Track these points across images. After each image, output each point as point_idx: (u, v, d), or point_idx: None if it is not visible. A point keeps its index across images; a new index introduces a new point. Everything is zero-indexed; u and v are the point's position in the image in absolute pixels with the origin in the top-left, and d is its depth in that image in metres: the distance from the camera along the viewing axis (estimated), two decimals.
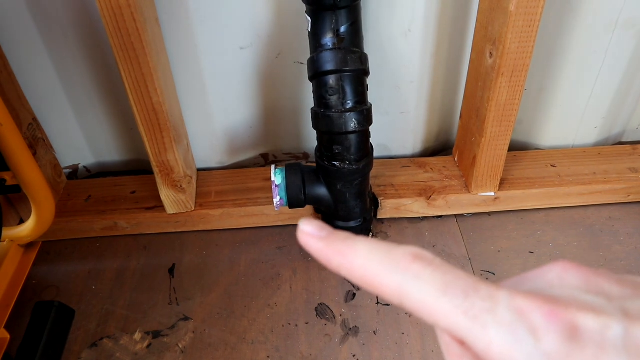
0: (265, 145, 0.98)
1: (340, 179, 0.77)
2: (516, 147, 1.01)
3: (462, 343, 0.22)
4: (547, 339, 0.18)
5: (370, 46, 0.81)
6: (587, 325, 0.18)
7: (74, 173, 1.02)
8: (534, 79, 0.90)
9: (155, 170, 0.83)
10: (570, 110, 0.96)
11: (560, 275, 0.21)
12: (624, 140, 1.06)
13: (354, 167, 0.76)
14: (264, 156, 0.99)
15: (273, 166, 0.79)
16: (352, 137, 0.74)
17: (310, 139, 0.96)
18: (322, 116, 0.73)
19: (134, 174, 1.01)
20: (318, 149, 0.78)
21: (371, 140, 0.78)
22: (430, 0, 0.79)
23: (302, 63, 0.86)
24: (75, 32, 0.81)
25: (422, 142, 0.97)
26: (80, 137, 0.97)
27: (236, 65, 0.85)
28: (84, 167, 1.02)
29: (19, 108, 0.85)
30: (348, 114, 0.72)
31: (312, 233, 0.23)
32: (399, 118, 0.92)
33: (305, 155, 1.00)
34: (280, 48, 0.84)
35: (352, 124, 0.72)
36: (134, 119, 0.76)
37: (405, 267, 0.21)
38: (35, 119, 0.90)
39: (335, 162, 0.76)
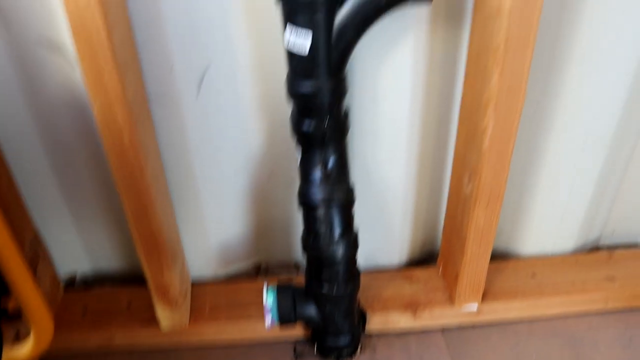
0: (258, 256, 1.02)
1: (329, 301, 0.81)
2: (497, 256, 1.05)
3: None
4: None
5: (356, 170, 0.87)
6: None
7: (72, 281, 1.05)
8: (511, 193, 0.95)
9: (152, 289, 0.86)
10: (548, 220, 1.01)
11: None
12: (600, 243, 1.11)
13: (342, 291, 0.80)
14: (256, 267, 1.03)
15: (265, 286, 0.83)
16: (340, 264, 0.78)
17: (301, 249, 1.00)
18: (312, 244, 0.77)
19: (131, 281, 1.04)
20: (307, 271, 0.82)
21: (359, 252, 0.82)
22: (411, 128, 0.85)
23: (292, 183, 0.91)
24: (80, 153, 0.86)
25: (408, 253, 1.02)
26: (79, 246, 1.00)
27: (230, 184, 0.90)
28: (81, 275, 1.05)
29: (22, 226, 0.89)
30: (336, 243, 0.76)
31: None
32: (385, 233, 0.97)
33: (296, 266, 1.04)
34: (272, 168, 0.90)
35: (340, 252, 0.77)
36: (131, 232, 0.79)
37: None
38: (36, 236, 0.94)
39: (324, 287, 0.80)
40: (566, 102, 0.85)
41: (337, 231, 0.76)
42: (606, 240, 1.10)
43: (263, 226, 0.97)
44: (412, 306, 0.93)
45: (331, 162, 0.75)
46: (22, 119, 0.81)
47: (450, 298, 0.94)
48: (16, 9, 0.71)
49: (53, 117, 0.82)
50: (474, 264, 0.87)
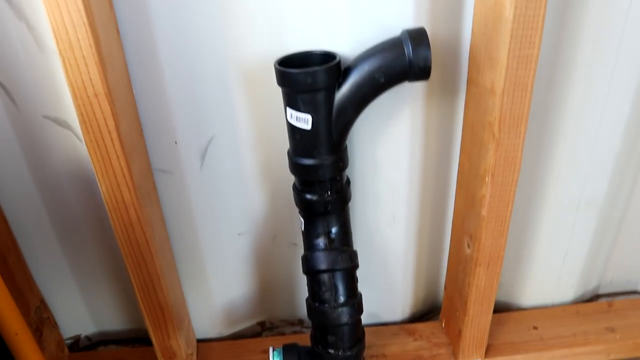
0: (262, 315, 1.03)
1: None
2: (499, 307, 1.06)
3: None
4: None
5: (358, 233, 0.89)
6: None
7: (76, 343, 1.06)
8: (511, 247, 0.97)
9: (159, 354, 0.87)
10: (548, 272, 1.02)
11: None
12: (600, 292, 1.12)
13: (347, 353, 0.81)
14: (261, 324, 1.04)
15: (271, 349, 0.84)
16: (345, 327, 0.79)
17: (304, 306, 1.01)
18: (317, 310, 0.79)
19: (134, 341, 1.05)
20: (313, 335, 0.83)
21: (363, 310, 0.83)
22: (410, 193, 0.87)
23: (296, 244, 0.93)
24: (85, 222, 0.87)
25: (410, 308, 1.03)
26: (84, 309, 1.01)
27: (235, 249, 0.92)
28: (86, 336, 1.06)
29: (27, 293, 0.90)
30: (341, 308, 0.78)
31: None
32: (387, 290, 0.98)
33: (300, 322, 1.05)
34: (275, 232, 0.91)
35: (345, 317, 0.78)
36: (135, 294, 0.80)
37: None
38: (42, 301, 0.95)
39: (330, 350, 0.81)
40: (560, 166, 0.88)
41: (341, 297, 0.78)
42: (605, 289, 1.12)
43: (267, 286, 0.98)
44: None
45: (334, 230, 0.77)
46: (28, 189, 0.83)
47: (454, 354, 0.95)
48: (24, 86, 0.73)
49: (59, 188, 0.84)
50: (476, 322, 0.88)
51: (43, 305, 0.95)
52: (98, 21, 0.59)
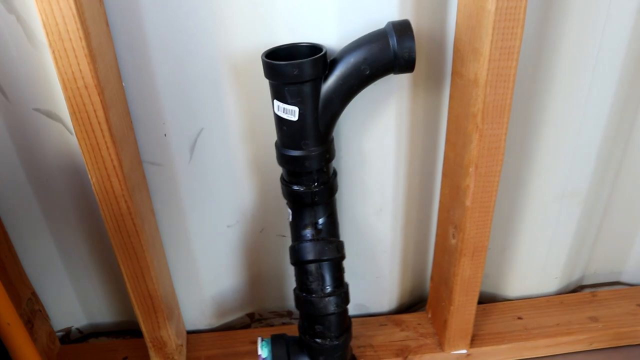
0: (251, 306, 1.04)
1: (323, 353, 0.83)
2: (485, 298, 1.08)
3: None
4: None
5: (346, 223, 0.90)
6: None
7: (67, 335, 1.07)
8: (496, 239, 0.99)
9: (149, 345, 0.88)
10: (532, 264, 1.04)
11: None
12: (584, 283, 1.14)
13: (334, 342, 0.82)
14: (250, 316, 1.05)
15: (260, 339, 0.85)
16: (332, 317, 0.80)
17: (293, 297, 1.03)
18: (304, 300, 0.80)
19: (125, 333, 1.06)
20: (301, 325, 0.84)
21: (350, 300, 0.84)
22: (397, 184, 0.88)
23: (284, 236, 0.94)
24: (75, 213, 0.88)
25: (397, 299, 1.04)
26: (75, 301, 1.02)
27: (224, 240, 0.93)
28: (77, 329, 1.07)
29: (19, 285, 0.91)
30: (327, 298, 0.79)
31: None
32: (374, 281, 1.00)
33: (289, 313, 1.06)
34: (264, 224, 0.93)
35: (332, 307, 0.79)
36: (125, 285, 0.81)
37: None
38: (34, 293, 0.95)
39: (317, 339, 0.82)
40: (544, 158, 0.90)
41: (328, 287, 0.79)
42: (589, 280, 1.14)
43: (256, 278, 0.99)
44: (403, 353, 0.95)
45: (321, 221, 0.78)
46: (19, 181, 0.84)
47: (440, 344, 0.96)
48: (15, 79, 0.74)
49: (50, 180, 0.85)
50: (462, 312, 0.90)
51: (34, 297, 0.95)
52: (87, 13, 0.60)
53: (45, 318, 0.98)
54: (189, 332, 1.02)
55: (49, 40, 0.59)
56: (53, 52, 0.60)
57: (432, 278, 0.97)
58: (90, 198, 0.86)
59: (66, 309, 1.03)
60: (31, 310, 0.94)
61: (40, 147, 0.81)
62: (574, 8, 0.76)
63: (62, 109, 0.77)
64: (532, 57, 0.79)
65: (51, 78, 0.75)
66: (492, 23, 0.61)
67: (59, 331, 1.05)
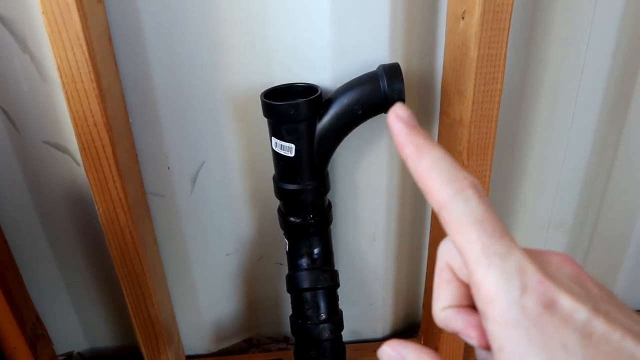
0: (249, 332, 1.07)
1: None
2: None
3: (454, 272, 0.26)
4: (530, 298, 0.22)
5: (339, 251, 0.94)
6: (564, 303, 0.22)
7: (69, 359, 1.09)
8: None
9: None
10: None
11: (560, 262, 0.26)
12: None
13: None
14: (248, 341, 1.08)
15: None
16: (327, 343, 0.84)
17: (289, 324, 1.06)
18: (299, 326, 0.83)
19: (125, 358, 1.09)
20: (296, 351, 0.87)
21: (344, 327, 0.87)
22: (389, 214, 0.92)
23: (281, 264, 0.97)
24: (79, 241, 0.92)
25: (391, 326, 1.07)
26: (77, 326, 1.05)
27: (223, 268, 0.97)
28: (78, 353, 1.09)
29: (24, 310, 0.94)
30: (322, 325, 0.82)
31: (402, 117, 0.26)
32: (368, 308, 1.03)
33: (285, 339, 1.09)
34: (262, 252, 0.96)
35: (326, 333, 0.83)
36: (127, 310, 0.84)
37: (460, 187, 0.24)
38: (38, 318, 0.98)
39: None
40: (528, 191, 0.94)
41: (323, 314, 0.82)
42: None
43: (254, 304, 1.03)
44: None
45: (316, 251, 0.82)
46: (26, 209, 0.88)
47: None
48: (26, 113, 0.79)
49: (56, 208, 0.88)
50: (453, 339, 0.93)
51: (38, 322, 0.98)
52: (99, 57, 0.64)
53: (48, 342, 1.01)
54: (188, 357, 1.05)
55: (62, 82, 0.63)
56: (66, 92, 0.64)
57: (424, 306, 1.00)
58: (94, 226, 0.90)
59: (68, 334, 1.05)
60: (35, 335, 0.97)
61: (48, 178, 0.85)
62: (552, 53, 0.81)
63: (70, 141, 0.81)
64: (514, 98, 0.84)
65: (60, 112, 0.79)
66: (475, 69, 0.65)
67: (61, 355, 1.08)
